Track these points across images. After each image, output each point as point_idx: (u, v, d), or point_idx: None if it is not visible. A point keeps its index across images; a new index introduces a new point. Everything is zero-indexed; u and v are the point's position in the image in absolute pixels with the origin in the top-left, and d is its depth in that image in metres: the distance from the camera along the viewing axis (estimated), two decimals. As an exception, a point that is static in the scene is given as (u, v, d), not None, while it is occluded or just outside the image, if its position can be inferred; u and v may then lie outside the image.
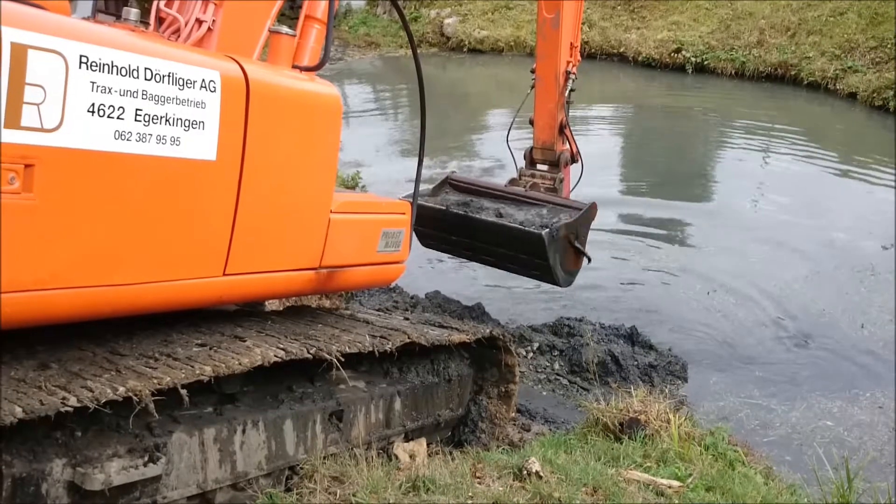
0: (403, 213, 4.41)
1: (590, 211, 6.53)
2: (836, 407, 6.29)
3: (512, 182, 7.07)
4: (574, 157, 7.11)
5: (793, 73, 18.51)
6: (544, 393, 6.29)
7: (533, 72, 6.96)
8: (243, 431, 3.34)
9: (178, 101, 3.00)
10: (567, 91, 6.86)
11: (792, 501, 4.26)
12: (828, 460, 4.72)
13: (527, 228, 6.12)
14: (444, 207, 6.43)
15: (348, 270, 4.06)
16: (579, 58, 6.99)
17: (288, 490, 3.46)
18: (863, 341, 7.30)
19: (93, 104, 2.72)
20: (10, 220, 2.56)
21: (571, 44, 6.82)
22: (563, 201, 6.68)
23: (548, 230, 6.02)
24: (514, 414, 4.98)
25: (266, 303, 4.53)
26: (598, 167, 10.44)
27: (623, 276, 8.61)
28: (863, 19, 18.76)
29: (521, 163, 7.30)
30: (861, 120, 16.19)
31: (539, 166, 7.18)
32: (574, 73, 6.87)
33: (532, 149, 7.16)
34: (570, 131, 7.06)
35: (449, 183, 7.02)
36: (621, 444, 4.46)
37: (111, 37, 2.89)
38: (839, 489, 4.21)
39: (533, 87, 6.96)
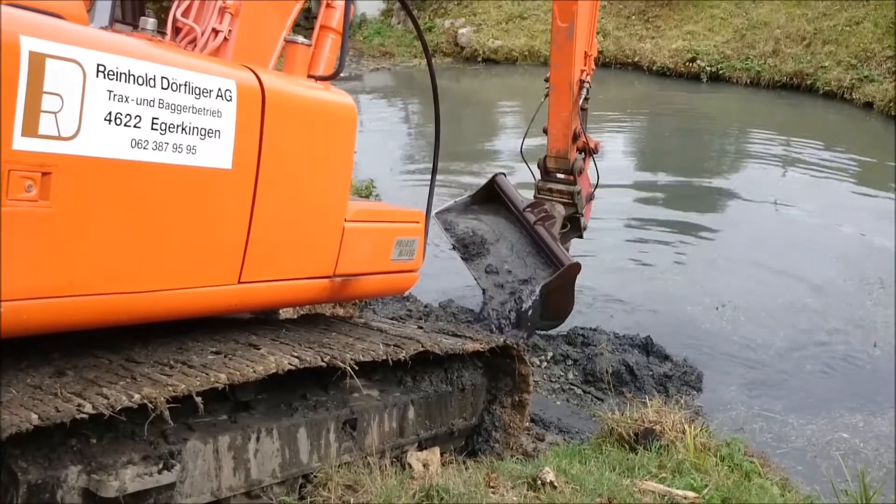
0: (417, 222, 4.41)
1: (569, 271, 6.60)
2: (851, 420, 6.23)
3: (531, 206, 7.12)
4: (596, 149, 7.15)
5: (808, 82, 18.45)
6: (558, 403, 6.26)
7: (547, 80, 6.96)
8: (257, 439, 3.34)
9: (194, 110, 3.02)
10: (581, 99, 6.86)
11: (809, 513, 4.22)
12: (843, 472, 4.67)
13: (487, 295, 6.83)
14: (452, 241, 7.09)
15: (362, 279, 4.06)
16: (594, 66, 6.99)
17: (302, 498, 3.46)
18: (876, 359, 7.22)
19: (110, 113, 2.74)
20: (26, 227, 2.58)
21: (586, 53, 6.83)
22: (556, 250, 6.80)
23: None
24: (527, 423, 4.96)
25: (280, 311, 4.53)
26: (612, 173, 10.43)
27: (635, 288, 8.58)
28: (879, 29, 18.67)
29: (535, 171, 7.35)
30: (878, 129, 16.08)
31: (556, 175, 7.20)
32: (588, 82, 6.86)
33: (546, 157, 7.17)
34: (587, 135, 7.08)
35: (493, 185, 7.45)
36: (636, 454, 4.43)
37: (128, 46, 2.92)
38: (856, 502, 4.16)
39: (547, 95, 6.97)
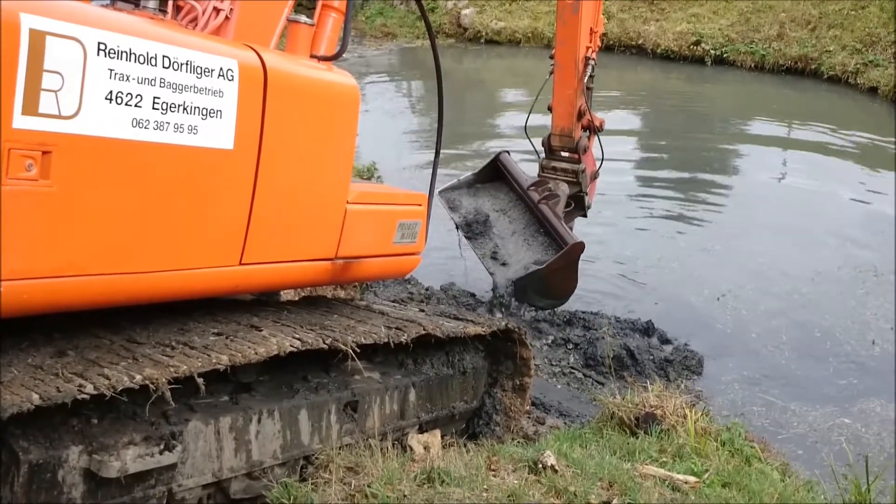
0: (420, 205, 4.39)
1: (572, 250, 6.57)
2: (854, 406, 6.22)
3: (535, 185, 7.09)
4: (601, 127, 7.11)
5: (813, 66, 18.34)
6: (559, 386, 6.27)
7: (552, 58, 6.89)
8: (259, 421, 3.34)
9: (195, 90, 2.99)
10: (587, 77, 6.79)
11: (809, 499, 4.22)
12: (844, 457, 4.68)
13: (493, 277, 6.87)
14: (458, 220, 7.12)
15: (364, 261, 4.05)
16: (599, 43, 6.91)
17: (303, 480, 3.46)
18: (874, 356, 7.18)
19: (111, 91, 2.72)
20: (27, 207, 2.56)
21: (591, 29, 6.74)
22: (560, 228, 6.76)
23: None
24: (528, 407, 4.97)
25: (281, 293, 4.53)
26: (616, 160, 10.40)
27: (635, 273, 8.57)
28: (885, 13, 18.55)
29: (539, 149, 7.32)
30: (882, 115, 15.99)
31: (560, 153, 7.16)
32: (594, 59, 6.78)
33: (550, 136, 7.12)
34: (592, 113, 7.02)
35: (497, 163, 7.39)
36: (637, 438, 4.44)
37: (129, 24, 2.89)
38: (857, 487, 4.17)
39: (552, 73, 6.90)
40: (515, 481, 3.44)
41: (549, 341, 6.84)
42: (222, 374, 3.08)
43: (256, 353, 3.16)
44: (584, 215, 7.57)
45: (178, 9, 3.59)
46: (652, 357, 6.64)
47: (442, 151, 4.67)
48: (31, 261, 2.62)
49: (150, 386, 2.76)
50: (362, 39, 22.84)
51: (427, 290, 7.47)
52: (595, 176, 7.42)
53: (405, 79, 20.03)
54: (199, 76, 3.00)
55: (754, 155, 13.20)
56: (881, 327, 7.52)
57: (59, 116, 2.59)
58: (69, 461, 2.72)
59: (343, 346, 3.48)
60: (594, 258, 8.20)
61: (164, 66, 2.88)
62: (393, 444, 3.79)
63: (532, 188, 7.10)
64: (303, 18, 3.72)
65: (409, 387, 4.08)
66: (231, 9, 3.57)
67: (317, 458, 3.53)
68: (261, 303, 4.08)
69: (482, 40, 22.72)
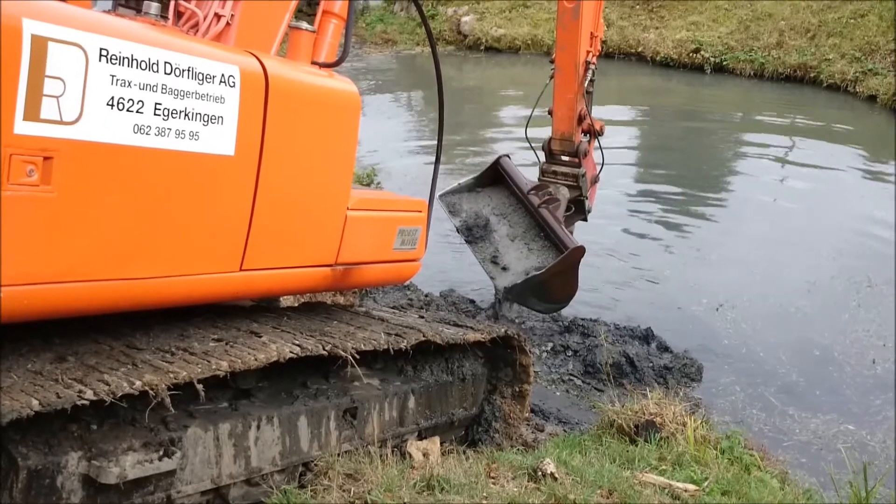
0: (420, 212, 4.39)
1: (573, 255, 6.56)
2: (857, 413, 6.20)
3: (535, 189, 7.08)
4: (601, 131, 7.09)
5: (812, 74, 18.37)
6: (558, 393, 6.26)
7: (552, 62, 6.89)
8: (258, 427, 3.33)
9: (197, 96, 3.00)
10: (587, 81, 6.79)
11: (808, 506, 4.22)
12: (848, 465, 4.67)
13: (493, 281, 6.74)
14: (458, 224, 7.03)
15: (364, 267, 4.05)
16: (600, 48, 6.91)
17: (302, 486, 3.45)
18: (876, 375, 7.11)
19: (112, 97, 2.72)
20: (28, 212, 2.57)
21: (592, 33, 6.73)
22: (560, 233, 6.74)
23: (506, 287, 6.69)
24: (527, 414, 4.96)
25: (281, 299, 4.52)
26: (614, 164, 10.40)
27: (635, 278, 8.55)
28: (884, 22, 18.60)
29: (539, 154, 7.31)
30: (881, 122, 16.02)
31: (561, 157, 7.15)
32: (594, 64, 6.78)
33: (550, 140, 7.12)
34: (592, 118, 7.01)
35: (497, 167, 7.29)
36: (636, 446, 4.43)
37: (131, 30, 2.89)
38: (856, 494, 4.16)
39: (552, 77, 6.90)
40: (515, 489, 3.44)
41: (549, 348, 6.83)
42: (222, 380, 3.08)
43: (256, 360, 3.16)
44: (585, 219, 7.55)
45: (179, 14, 3.60)
46: (651, 364, 6.63)
47: (441, 157, 4.67)
48: (31, 266, 2.62)
49: (150, 392, 2.76)
50: (363, 46, 22.89)
51: (427, 296, 7.47)
52: (595, 180, 7.41)
53: (405, 85, 20.05)
54: (200, 82, 3.01)
55: (752, 162, 13.20)
56: (875, 344, 7.46)
57: (61, 122, 2.59)
58: (68, 467, 2.71)
59: (343, 353, 3.47)
60: (594, 263, 8.17)
61: (165, 73, 2.88)
62: (392, 451, 3.79)
63: (532, 192, 7.09)
64: (304, 25, 3.73)
65: (409, 393, 4.08)
66: (232, 15, 3.58)
67: (316, 465, 3.52)
68: (261, 309, 4.08)
69: (482, 47, 22.75)
